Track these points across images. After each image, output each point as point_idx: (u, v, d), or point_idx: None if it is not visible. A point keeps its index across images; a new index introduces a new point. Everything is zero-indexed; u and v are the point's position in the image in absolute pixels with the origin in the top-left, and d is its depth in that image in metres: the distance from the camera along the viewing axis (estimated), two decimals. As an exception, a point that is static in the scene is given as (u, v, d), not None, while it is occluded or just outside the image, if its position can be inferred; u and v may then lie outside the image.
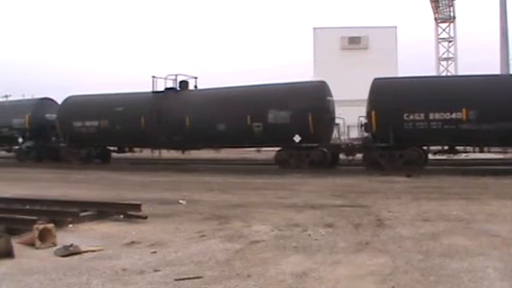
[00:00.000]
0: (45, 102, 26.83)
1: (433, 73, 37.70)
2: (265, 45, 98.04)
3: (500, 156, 19.47)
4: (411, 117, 17.29)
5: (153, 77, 22.22)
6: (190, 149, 23.19)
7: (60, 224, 7.77)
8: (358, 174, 16.99)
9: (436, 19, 38.90)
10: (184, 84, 22.49)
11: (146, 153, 26.16)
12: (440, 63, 38.33)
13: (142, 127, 21.75)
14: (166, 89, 22.34)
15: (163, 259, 5.98)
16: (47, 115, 25.90)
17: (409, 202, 10.39)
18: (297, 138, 18.86)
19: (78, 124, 23.50)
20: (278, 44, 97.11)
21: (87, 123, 23.39)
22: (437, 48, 38.52)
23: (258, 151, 27.01)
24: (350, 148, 19.57)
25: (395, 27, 43.70)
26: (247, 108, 19.87)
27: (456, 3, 38.39)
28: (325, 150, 19.15)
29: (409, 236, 6.96)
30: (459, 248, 6.24)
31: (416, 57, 41.95)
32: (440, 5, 38.56)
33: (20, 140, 25.57)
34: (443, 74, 37.47)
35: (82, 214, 8.53)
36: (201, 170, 19.98)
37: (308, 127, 18.83)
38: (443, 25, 39.03)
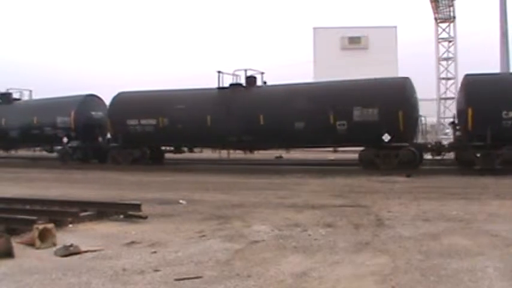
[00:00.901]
0: (91, 99, 24.90)
1: (433, 73, 37.74)
2: (265, 45, 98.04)
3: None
4: (510, 114, 16.68)
5: (219, 72, 20.87)
6: (262, 149, 22.00)
7: (60, 224, 7.78)
8: (358, 174, 16.98)
9: (436, 19, 38.86)
10: (252, 79, 20.93)
11: (206, 153, 24.88)
12: (440, 63, 38.31)
13: (208, 126, 20.26)
14: (231, 84, 20.98)
15: (163, 259, 5.99)
16: (93, 113, 24.23)
17: (409, 202, 10.39)
18: (386, 138, 17.70)
19: (132, 122, 21.87)
20: (278, 44, 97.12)
21: (144, 122, 21.72)
22: (437, 48, 38.46)
23: (335, 151, 25.21)
24: (439, 148, 18.60)
25: (395, 27, 43.83)
26: (330, 105, 18.55)
27: (456, 3, 38.35)
28: (413, 149, 18.11)
29: (409, 236, 6.97)
30: (459, 248, 6.24)
31: (416, 57, 41.93)
32: (440, 5, 38.53)
33: (65, 139, 23.55)
34: (443, 74, 37.48)
35: (82, 214, 8.54)
36: (201, 170, 19.97)
37: (398, 125, 17.74)
38: (443, 25, 38.99)
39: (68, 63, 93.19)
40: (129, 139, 22.01)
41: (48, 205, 9.26)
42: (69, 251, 6.26)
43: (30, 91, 28.46)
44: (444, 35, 38.53)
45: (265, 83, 21.32)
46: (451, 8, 38.20)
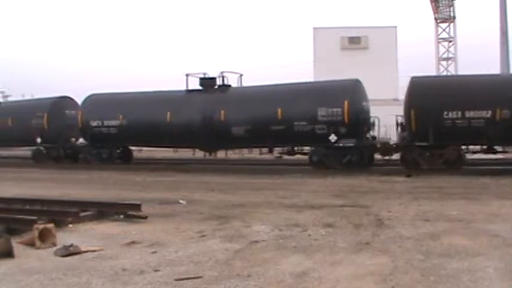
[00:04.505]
0: (360, 86, 19.26)
1: (433, 73, 37.75)
2: (265, 45, 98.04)
3: (500, 156, 19.36)
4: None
5: None
6: None
7: (60, 224, 7.78)
8: (358, 174, 16.97)
9: (436, 19, 38.94)
10: None
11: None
12: (440, 63, 38.38)
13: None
14: None
15: (163, 259, 5.99)
16: (364, 103, 18.95)
17: (409, 202, 10.39)
18: None
19: (451, 115, 16.37)
20: (278, 44, 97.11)
21: (470, 114, 16.22)
22: (437, 48, 38.57)
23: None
24: None
25: (395, 27, 43.71)
26: None
27: (456, 3, 38.46)
28: None
29: (409, 236, 6.97)
30: (459, 248, 6.24)
31: (416, 57, 41.99)
32: (440, 5, 38.60)
33: (333, 137, 18.09)
34: (443, 74, 37.51)
35: (82, 214, 8.54)
36: (201, 170, 19.94)
37: None
38: (443, 25, 39.07)
39: (63, 64, 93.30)
40: (443, 137, 16.61)
41: (48, 205, 9.25)
42: (69, 251, 6.26)
43: (241, 75, 21.82)
44: (444, 35, 38.63)
45: None
46: (451, 8, 38.29)
